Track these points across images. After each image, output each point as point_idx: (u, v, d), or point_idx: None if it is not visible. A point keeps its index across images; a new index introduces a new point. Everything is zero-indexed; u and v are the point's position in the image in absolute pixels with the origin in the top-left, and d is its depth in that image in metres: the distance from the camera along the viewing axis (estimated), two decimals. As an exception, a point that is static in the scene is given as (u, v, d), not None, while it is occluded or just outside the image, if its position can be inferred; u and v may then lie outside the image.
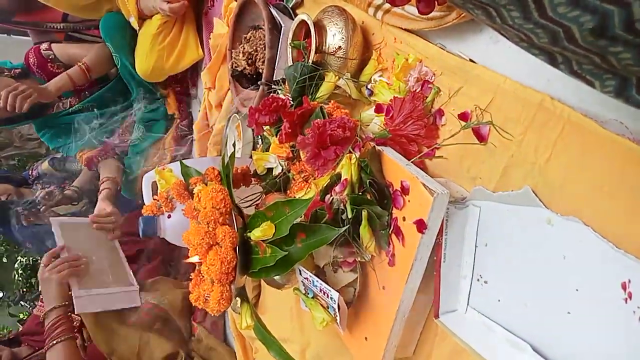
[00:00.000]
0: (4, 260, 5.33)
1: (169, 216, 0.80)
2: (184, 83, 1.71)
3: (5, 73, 1.70)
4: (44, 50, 1.71)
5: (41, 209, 1.78)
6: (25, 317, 4.55)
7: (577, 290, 0.46)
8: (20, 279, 4.96)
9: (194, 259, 0.70)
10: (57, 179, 2.06)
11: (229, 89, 1.31)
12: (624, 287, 0.42)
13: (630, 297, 0.41)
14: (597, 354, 0.44)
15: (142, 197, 0.92)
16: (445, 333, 0.60)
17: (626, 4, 0.21)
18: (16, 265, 4.97)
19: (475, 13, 0.31)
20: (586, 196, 0.45)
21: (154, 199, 0.81)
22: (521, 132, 0.51)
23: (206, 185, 0.77)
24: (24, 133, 4.10)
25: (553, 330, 0.48)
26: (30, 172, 2.10)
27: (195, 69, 1.66)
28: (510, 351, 0.51)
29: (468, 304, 0.59)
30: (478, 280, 0.57)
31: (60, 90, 1.66)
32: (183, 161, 0.83)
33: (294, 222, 0.61)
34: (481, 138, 0.56)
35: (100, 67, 1.72)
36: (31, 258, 5.03)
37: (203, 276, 0.70)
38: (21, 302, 4.40)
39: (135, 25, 1.58)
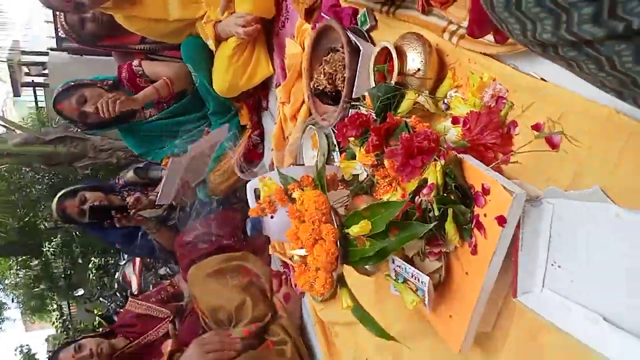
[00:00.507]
0: (80, 261, 5.81)
1: (272, 217, 0.94)
2: (255, 97, 1.87)
3: (98, 85, 1.94)
4: (135, 66, 1.94)
5: (131, 213, 2.00)
6: (99, 312, 4.94)
7: (642, 270, 0.55)
8: (94, 278, 5.40)
9: (300, 251, 0.84)
10: (141, 186, 2.29)
11: (302, 103, 1.46)
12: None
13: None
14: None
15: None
16: (521, 311, 0.71)
17: None
18: (90, 266, 5.41)
19: (557, 62, 0.42)
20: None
21: (257, 204, 0.95)
22: (590, 141, 0.61)
23: (303, 190, 0.91)
24: (97, 145, 4.47)
25: (621, 304, 0.58)
26: (117, 181, 2.34)
27: (265, 84, 1.82)
28: (585, 323, 0.61)
29: (543, 286, 0.69)
30: (552, 265, 0.67)
31: (147, 99, 1.88)
32: (279, 170, 0.97)
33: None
34: (553, 145, 0.66)
35: (181, 82, 1.92)
36: (103, 259, 5.46)
37: (307, 266, 0.84)
38: (100, 298, 4.79)
39: (212, 47, 1.76)
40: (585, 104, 0.61)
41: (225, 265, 1.68)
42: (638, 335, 0.55)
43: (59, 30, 5.62)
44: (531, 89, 0.69)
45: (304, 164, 1.41)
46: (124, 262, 3.61)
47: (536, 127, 0.68)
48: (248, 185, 1.04)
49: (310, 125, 1.37)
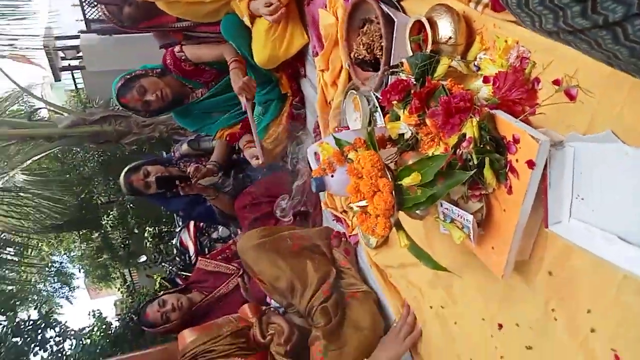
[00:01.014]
0: (136, 230, 6.28)
1: (332, 176, 1.11)
2: (294, 66, 2.01)
3: (150, 74, 2.11)
4: (177, 52, 2.09)
5: (193, 181, 2.20)
6: (159, 278, 5.38)
7: (647, 195, 0.69)
8: (150, 246, 5.83)
9: (362, 203, 1.01)
10: (195, 157, 2.50)
11: (340, 70, 1.58)
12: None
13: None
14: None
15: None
16: (553, 239, 0.85)
17: None
18: (146, 235, 5.84)
19: (560, 42, 0.55)
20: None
21: (319, 165, 1.12)
22: (600, 92, 0.73)
23: (357, 151, 1.06)
24: (139, 121, 4.71)
25: (633, 224, 0.72)
26: (173, 153, 2.55)
27: (301, 52, 1.94)
28: (604, 243, 0.75)
29: (570, 216, 0.83)
30: (576, 198, 0.81)
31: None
32: (334, 135, 1.13)
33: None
34: (571, 97, 0.78)
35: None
36: (157, 228, 5.88)
37: (368, 214, 1.01)
38: (162, 264, 5.21)
39: (248, 23, 1.89)
40: (592, 61, 0.73)
41: (272, 237, 1.66)
42: (645, 246, 0.70)
43: (86, 13, 5.81)
44: (550, 50, 0.81)
45: (348, 127, 1.56)
46: (179, 228, 3.87)
47: (556, 82, 0.80)
48: (309, 149, 1.20)
49: (352, 90, 1.51)
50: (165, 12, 2.07)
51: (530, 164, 0.80)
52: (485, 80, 0.94)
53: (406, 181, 0.94)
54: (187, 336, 1.59)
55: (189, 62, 2.09)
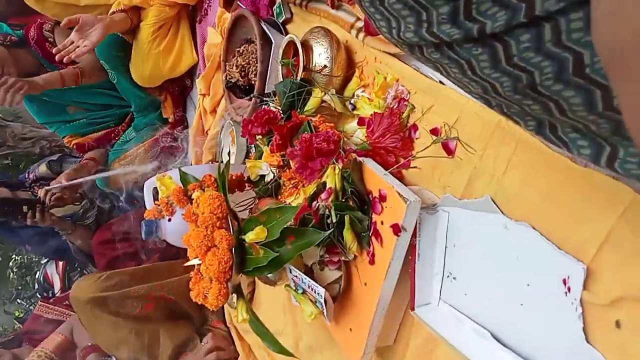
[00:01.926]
0: (-1, 258, 5.38)
1: (170, 220, 0.86)
2: (179, 87, 1.77)
3: (0, 39, 1.70)
4: (46, 30, 1.74)
5: (45, 209, 1.80)
6: (21, 314, 4.60)
7: (528, 285, 0.53)
8: (15, 277, 5.00)
9: (195, 261, 0.77)
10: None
11: (223, 96, 1.37)
12: (564, 282, 0.49)
13: (569, 291, 0.49)
14: (544, 339, 0.52)
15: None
16: (421, 323, 0.68)
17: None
18: (10, 264, 5.01)
19: (427, 65, 0.38)
20: (535, 204, 0.53)
21: (155, 204, 0.87)
22: (482, 147, 0.58)
23: (204, 191, 0.84)
24: (18, 133, 4.11)
25: (510, 320, 0.56)
26: (26, 175, 2.14)
27: (190, 74, 1.72)
28: (474, 339, 0.59)
29: (440, 298, 0.66)
30: (448, 276, 0.65)
31: (50, 86, 1.65)
32: (181, 169, 0.90)
33: (285, 226, 0.68)
34: (449, 152, 0.63)
35: (93, 75, 1.74)
36: (26, 257, 5.08)
37: (202, 275, 0.77)
38: (17, 300, 4.45)
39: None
40: (477, 108, 0.58)
41: (119, 292, 1.32)
42: (524, 356, 0.54)
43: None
44: (431, 91, 0.66)
45: (223, 162, 1.33)
46: (45, 260, 3.34)
47: (434, 132, 0.65)
48: (146, 184, 0.96)
49: (229, 121, 1.30)
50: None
51: (396, 228, 0.62)
52: (361, 122, 0.78)
53: (249, 237, 0.72)
54: None
55: (55, 46, 1.74)
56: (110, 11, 1.55)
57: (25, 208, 1.81)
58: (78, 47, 1.41)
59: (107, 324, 1.29)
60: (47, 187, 1.93)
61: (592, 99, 0.28)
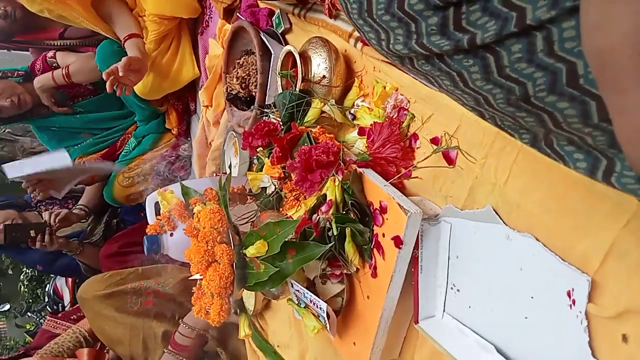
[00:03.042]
0: (10, 272, 5.40)
1: (172, 234, 0.86)
2: (184, 101, 1.77)
3: (9, 76, 1.78)
4: (49, 57, 1.80)
5: (52, 232, 1.82)
6: (32, 327, 4.61)
7: (532, 297, 0.52)
8: (26, 290, 5.03)
9: (197, 276, 0.76)
10: (61, 200, 2.12)
11: (225, 107, 1.38)
12: (569, 294, 0.48)
13: (574, 304, 0.47)
14: (549, 352, 0.50)
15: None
16: (424, 337, 0.66)
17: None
18: (21, 277, 5.05)
19: (419, 77, 0.37)
20: (538, 214, 0.51)
21: (157, 219, 0.87)
22: (483, 156, 0.57)
23: (205, 205, 0.83)
24: (27, 147, 4.16)
25: (514, 333, 0.54)
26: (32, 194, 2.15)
27: (193, 87, 1.73)
28: (478, 352, 0.57)
29: (444, 311, 0.65)
30: (452, 288, 0.63)
31: (43, 86, 1.73)
32: (183, 182, 0.89)
33: (285, 240, 0.68)
34: (450, 161, 0.62)
35: (82, 75, 1.76)
36: (36, 270, 5.11)
37: (204, 290, 0.76)
38: (28, 313, 4.47)
39: None
40: (478, 117, 0.57)
41: (120, 288, 1.39)
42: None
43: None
44: (430, 100, 0.65)
45: (226, 173, 1.33)
46: (55, 273, 3.33)
47: (435, 141, 0.64)
48: (147, 198, 0.96)
49: (232, 132, 1.30)
50: (47, 27, 1.80)
51: (397, 241, 0.61)
52: (361, 132, 0.77)
53: (250, 251, 0.71)
54: None
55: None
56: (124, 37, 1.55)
57: (32, 232, 1.82)
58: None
59: (109, 320, 1.35)
60: (51, 210, 1.96)
61: (587, 110, 0.28)
